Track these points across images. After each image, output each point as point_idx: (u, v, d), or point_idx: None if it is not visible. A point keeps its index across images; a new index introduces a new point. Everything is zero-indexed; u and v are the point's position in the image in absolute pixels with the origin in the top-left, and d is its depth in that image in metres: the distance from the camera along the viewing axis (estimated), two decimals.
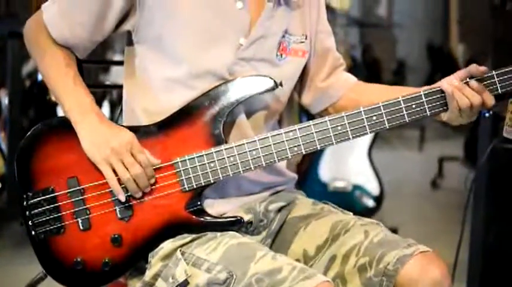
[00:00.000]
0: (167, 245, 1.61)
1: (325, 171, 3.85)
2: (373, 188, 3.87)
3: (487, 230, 2.56)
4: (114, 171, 1.58)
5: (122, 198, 1.59)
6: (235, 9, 1.64)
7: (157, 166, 1.61)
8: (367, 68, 6.78)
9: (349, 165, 3.88)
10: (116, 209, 1.62)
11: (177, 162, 1.61)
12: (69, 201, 1.62)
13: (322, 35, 1.81)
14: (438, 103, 1.61)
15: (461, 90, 1.58)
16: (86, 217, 1.62)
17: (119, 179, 1.58)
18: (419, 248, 1.55)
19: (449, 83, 1.59)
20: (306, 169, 3.86)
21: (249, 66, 1.65)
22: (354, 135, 1.60)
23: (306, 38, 1.74)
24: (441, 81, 1.63)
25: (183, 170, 1.61)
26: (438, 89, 1.61)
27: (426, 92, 1.60)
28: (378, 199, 3.87)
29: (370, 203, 3.85)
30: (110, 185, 1.59)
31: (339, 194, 3.80)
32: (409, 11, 7.60)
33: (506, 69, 1.60)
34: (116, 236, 1.62)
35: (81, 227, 1.62)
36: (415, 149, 6.28)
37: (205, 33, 1.62)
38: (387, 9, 7.56)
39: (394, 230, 3.48)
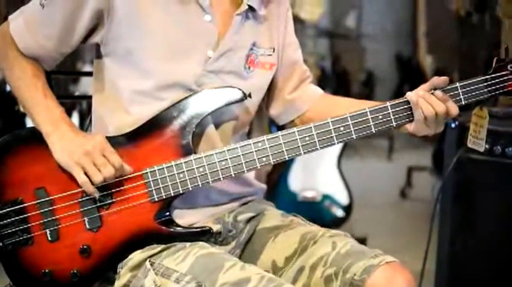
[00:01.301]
0: (136, 256, 1.61)
1: (295, 181, 3.86)
2: (342, 197, 3.90)
3: (454, 240, 2.59)
4: (86, 174, 1.58)
5: (97, 196, 1.60)
6: (203, 22, 1.65)
7: (126, 177, 1.61)
8: (336, 78, 6.84)
9: (319, 175, 3.90)
10: (84, 220, 1.62)
11: (146, 172, 1.62)
12: (37, 212, 1.62)
13: (290, 48, 1.83)
14: (404, 114, 1.63)
15: (426, 98, 1.61)
16: (55, 228, 1.62)
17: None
18: (386, 258, 1.57)
19: (414, 93, 1.62)
20: (276, 179, 3.88)
21: (217, 79, 1.67)
22: (321, 146, 1.62)
23: (273, 51, 1.76)
24: (408, 93, 1.66)
25: (152, 180, 1.61)
26: (404, 100, 1.63)
27: (392, 103, 1.63)
28: (347, 209, 3.90)
29: (339, 212, 3.87)
30: (83, 188, 1.59)
31: (309, 204, 3.82)
32: (378, 22, 7.67)
33: (470, 81, 1.63)
34: (85, 247, 1.62)
35: (49, 238, 1.62)
36: (384, 159, 6.33)
37: (173, 46, 1.63)
38: (356, 21, 7.62)
39: (363, 240, 3.52)
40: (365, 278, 1.53)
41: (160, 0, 1.62)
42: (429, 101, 1.60)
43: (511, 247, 2.46)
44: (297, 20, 3.82)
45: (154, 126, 1.64)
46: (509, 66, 1.63)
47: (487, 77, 1.63)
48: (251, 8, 1.70)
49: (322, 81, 5.58)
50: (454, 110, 1.62)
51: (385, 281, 1.54)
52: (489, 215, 2.52)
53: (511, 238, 2.46)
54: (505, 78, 1.63)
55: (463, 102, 1.63)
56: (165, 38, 1.62)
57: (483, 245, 2.53)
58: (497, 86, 1.63)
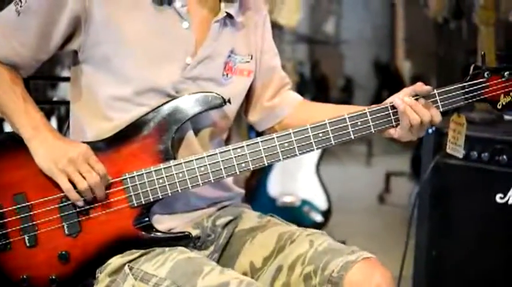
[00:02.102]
0: (115, 261, 1.61)
1: (274, 186, 3.87)
2: (321, 202, 3.91)
3: (431, 245, 2.61)
4: (71, 182, 1.58)
5: (81, 204, 1.59)
6: (181, 29, 1.66)
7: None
8: (315, 84, 6.86)
9: (298, 180, 3.91)
10: (63, 226, 1.62)
11: (126, 178, 1.62)
12: (16, 217, 1.61)
13: (268, 55, 1.84)
14: (382, 120, 1.65)
15: (413, 107, 1.62)
16: (33, 233, 1.61)
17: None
18: (363, 254, 1.59)
19: (401, 100, 1.63)
20: (255, 184, 3.88)
21: (195, 85, 1.67)
22: (300, 152, 1.64)
23: (251, 58, 1.77)
24: (391, 98, 1.66)
25: (131, 186, 1.62)
26: (383, 107, 1.65)
27: (371, 110, 1.65)
28: (326, 214, 3.91)
29: (318, 217, 3.88)
30: (67, 195, 1.59)
31: (287, 209, 3.83)
32: (356, 28, 7.71)
33: (447, 89, 1.65)
34: (63, 252, 1.61)
35: (27, 244, 1.61)
36: (363, 164, 6.35)
37: (151, 52, 1.64)
38: (335, 27, 7.66)
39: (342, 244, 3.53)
40: (343, 274, 1.55)
41: (138, 7, 1.63)
42: (416, 110, 1.62)
43: (488, 251, 2.48)
44: (275, 26, 3.83)
45: (133, 131, 1.64)
46: (485, 74, 1.65)
47: (464, 84, 1.65)
48: (229, 15, 1.71)
49: (301, 87, 5.59)
50: (438, 117, 1.64)
51: (363, 276, 1.55)
52: (466, 220, 2.54)
53: (488, 243, 2.49)
54: (482, 85, 1.66)
55: (441, 109, 1.65)
56: (142, 44, 1.63)
57: (460, 249, 2.55)
58: (474, 93, 1.65)
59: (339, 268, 1.55)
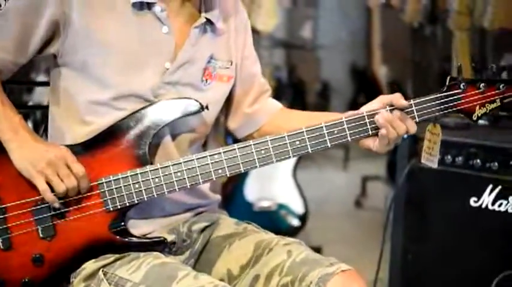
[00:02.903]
0: (90, 266, 1.61)
1: (251, 191, 3.87)
2: (298, 207, 3.91)
3: (406, 248, 2.63)
4: (48, 184, 1.58)
5: (57, 205, 1.59)
6: (160, 34, 1.66)
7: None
8: (292, 89, 6.86)
9: (274, 184, 3.91)
10: (37, 229, 1.61)
11: (102, 182, 1.62)
12: None
13: (248, 61, 1.84)
14: (359, 129, 1.65)
15: (392, 123, 1.62)
16: (7, 236, 1.60)
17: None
18: (341, 266, 1.59)
19: (384, 120, 1.62)
20: (232, 189, 3.88)
21: (174, 90, 1.68)
22: (277, 159, 1.64)
23: (231, 64, 1.77)
24: (368, 106, 1.66)
25: (107, 190, 1.61)
26: (360, 116, 1.65)
27: (348, 119, 1.65)
28: (303, 218, 3.91)
29: (295, 222, 3.89)
30: (44, 197, 1.58)
31: (264, 213, 3.83)
32: (333, 33, 7.73)
33: (423, 99, 1.66)
34: (37, 255, 1.61)
35: (1, 247, 1.60)
36: (340, 168, 6.37)
37: (130, 58, 1.64)
38: (312, 31, 7.67)
39: (318, 249, 3.55)
40: (321, 286, 1.55)
41: (118, 12, 1.63)
42: (393, 125, 1.62)
43: (463, 254, 2.50)
44: (252, 31, 3.84)
45: (110, 136, 1.64)
46: (461, 85, 1.66)
47: (441, 95, 1.66)
48: (209, 21, 1.71)
49: (278, 92, 5.60)
50: (413, 129, 1.65)
51: None
52: (440, 224, 2.56)
53: (463, 246, 2.51)
54: (457, 97, 1.66)
55: (417, 120, 1.65)
56: (122, 49, 1.63)
57: (435, 253, 2.57)
58: (450, 105, 1.66)
59: (317, 279, 1.56)
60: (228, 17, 1.78)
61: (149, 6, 1.65)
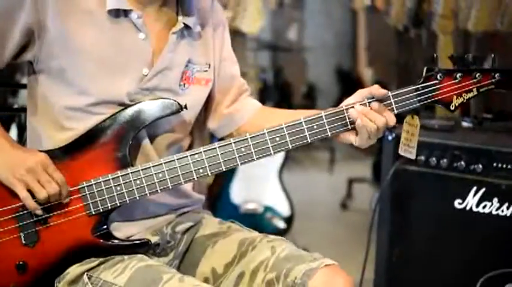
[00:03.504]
0: (74, 270, 1.61)
1: (237, 193, 3.87)
2: (284, 209, 3.92)
3: (391, 249, 2.63)
4: (29, 191, 1.57)
5: (39, 212, 1.58)
6: (137, 40, 1.65)
7: None
8: (278, 90, 6.87)
9: (260, 187, 3.92)
10: (20, 236, 1.60)
11: (83, 186, 1.61)
12: None
13: (226, 63, 1.84)
14: (338, 123, 1.65)
15: (367, 115, 1.63)
16: None
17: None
18: (325, 261, 1.60)
19: (357, 112, 1.63)
20: (218, 191, 3.88)
21: (152, 96, 1.67)
22: (258, 156, 1.64)
23: (209, 67, 1.77)
24: (347, 101, 1.67)
25: (89, 194, 1.61)
26: (338, 110, 1.65)
27: (327, 113, 1.65)
28: (289, 220, 3.92)
29: (281, 224, 3.89)
30: (25, 204, 1.57)
31: (250, 215, 3.83)
32: (319, 35, 7.75)
33: (401, 91, 1.66)
34: (21, 262, 1.60)
35: None
36: (325, 170, 6.38)
37: (107, 64, 1.63)
38: (298, 34, 7.69)
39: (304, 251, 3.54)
40: (306, 281, 1.56)
41: (94, 19, 1.62)
42: (370, 118, 1.62)
43: (447, 255, 2.52)
44: (237, 33, 3.84)
45: (90, 139, 1.63)
46: (438, 76, 1.67)
47: (418, 86, 1.66)
48: (187, 26, 1.71)
49: (264, 94, 5.61)
50: (392, 120, 1.65)
51: (325, 283, 1.57)
52: (425, 225, 2.57)
53: (447, 247, 2.52)
54: (435, 87, 1.67)
55: (396, 112, 1.66)
56: (98, 56, 1.62)
57: (420, 254, 2.58)
58: (428, 95, 1.66)
59: (301, 274, 1.56)
60: (206, 19, 1.78)
61: (125, 13, 1.64)
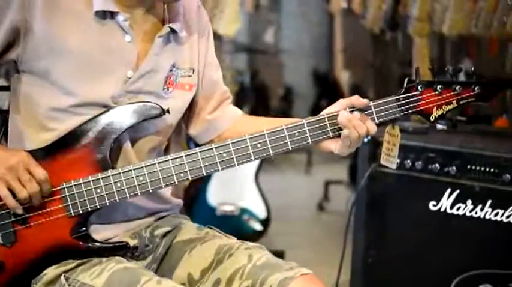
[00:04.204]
0: (51, 271, 1.60)
1: (213, 195, 3.88)
2: (261, 211, 3.93)
3: (367, 251, 2.65)
4: (10, 190, 1.56)
5: (19, 211, 1.58)
6: (123, 42, 1.66)
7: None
8: (255, 93, 6.88)
9: (237, 189, 3.93)
10: None
11: (63, 187, 1.61)
12: None
13: (210, 68, 1.84)
14: (320, 131, 1.67)
15: (351, 122, 1.64)
16: None
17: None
18: (301, 270, 1.61)
19: (346, 119, 1.64)
20: (195, 193, 3.88)
21: (136, 99, 1.67)
22: (239, 162, 1.65)
23: (193, 72, 1.77)
24: (329, 109, 1.68)
25: (69, 195, 1.61)
26: (320, 118, 1.67)
27: (308, 121, 1.67)
28: (265, 222, 3.93)
29: (258, 226, 3.90)
30: (5, 202, 1.57)
31: (227, 217, 3.84)
32: (296, 38, 7.77)
33: (382, 101, 1.69)
34: None
35: None
36: (302, 172, 6.40)
37: (92, 66, 1.63)
38: (274, 36, 7.71)
39: (281, 253, 3.56)
40: None
41: (81, 20, 1.63)
42: (355, 126, 1.64)
43: (423, 256, 2.54)
44: (214, 35, 3.84)
45: (71, 140, 1.63)
46: (419, 87, 1.69)
47: (399, 97, 1.69)
48: (173, 31, 1.71)
49: (241, 96, 5.61)
50: (373, 129, 1.66)
51: None
52: (401, 227, 2.60)
53: (422, 249, 2.55)
54: (415, 98, 1.69)
55: (377, 122, 1.68)
56: (84, 58, 1.62)
57: (395, 255, 2.61)
58: (408, 106, 1.69)
59: (277, 283, 1.57)
60: (192, 24, 1.78)
61: (112, 15, 1.65)
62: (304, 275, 1.60)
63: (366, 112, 1.67)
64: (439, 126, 2.77)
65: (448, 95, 1.70)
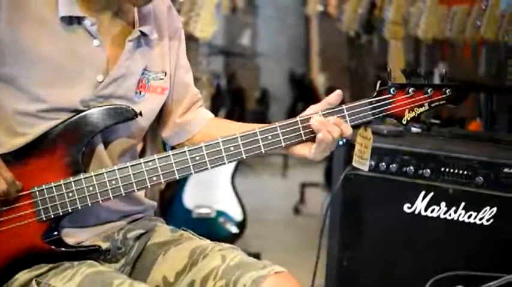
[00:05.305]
0: (22, 276, 1.59)
1: (189, 198, 3.87)
2: (237, 214, 3.93)
3: (342, 254, 2.66)
4: None
5: None
6: (91, 47, 1.64)
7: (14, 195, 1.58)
8: (231, 96, 6.88)
9: (213, 191, 3.92)
10: None
11: (34, 191, 1.60)
12: None
13: (181, 71, 1.83)
14: (292, 135, 1.67)
15: (327, 127, 1.64)
16: None
17: None
18: (274, 268, 1.61)
19: (318, 122, 1.64)
20: (170, 196, 3.87)
21: (107, 103, 1.65)
22: (212, 165, 1.65)
23: (165, 75, 1.76)
24: (301, 116, 1.68)
25: (40, 199, 1.60)
26: (293, 121, 1.67)
27: (281, 124, 1.67)
28: (241, 225, 3.93)
29: (234, 229, 3.90)
30: None
31: (203, 220, 3.83)
32: (272, 41, 7.79)
33: (355, 104, 1.69)
34: None
35: None
36: (278, 175, 6.40)
37: (61, 72, 1.61)
38: (251, 39, 7.72)
39: (256, 256, 3.55)
40: None
41: (47, 27, 1.61)
42: (328, 129, 1.64)
43: (397, 259, 2.55)
44: (190, 38, 3.83)
45: (43, 144, 1.62)
46: (391, 90, 1.70)
47: (371, 100, 1.69)
48: (143, 34, 1.70)
49: (217, 99, 5.60)
50: (349, 131, 1.66)
51: None
52: (376, 229, 2.60)
53: (397, 251, 2.55)
54: (387, 101, 1.69)
55: (349, 124, 1.68)
56: (51, 63, 1.60)
57: (370, 257, 2.61)
58: (381, 109, 1.69)
59: (251, 282, 1.57)
60: (162, 27, 1.77)
61: (78, 20, 1.63)
62: (278, 273, 1.60)
63: (338, 115, 1.67)
64: (414, 129, 2.78)
65: (419, 97, 1.70)
